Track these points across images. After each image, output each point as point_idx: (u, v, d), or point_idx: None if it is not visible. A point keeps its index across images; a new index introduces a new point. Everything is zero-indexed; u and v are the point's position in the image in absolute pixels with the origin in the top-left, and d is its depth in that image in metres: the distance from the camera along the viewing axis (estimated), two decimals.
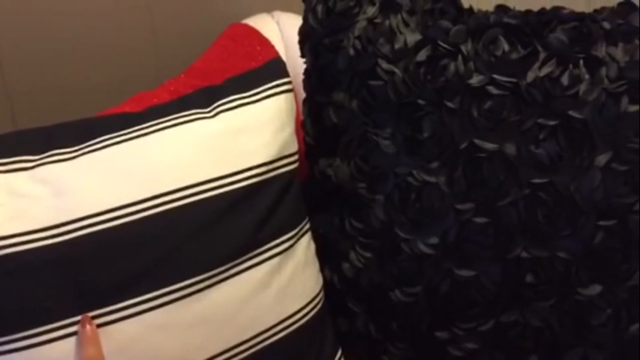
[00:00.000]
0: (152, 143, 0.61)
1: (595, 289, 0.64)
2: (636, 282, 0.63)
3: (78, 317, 0.55)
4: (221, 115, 0.64)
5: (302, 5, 0.77)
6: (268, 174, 0.64)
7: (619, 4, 0.70)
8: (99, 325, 0.55)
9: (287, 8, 0.93)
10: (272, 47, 0.92)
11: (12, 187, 0.56)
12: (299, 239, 0.67)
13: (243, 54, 0.91)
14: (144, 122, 0.62)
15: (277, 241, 0.64)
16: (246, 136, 0.63)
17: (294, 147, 0.69)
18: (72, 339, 0.54)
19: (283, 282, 0.64)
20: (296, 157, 0.69)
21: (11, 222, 0.55)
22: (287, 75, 0.70)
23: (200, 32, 0.96)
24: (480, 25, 0.68)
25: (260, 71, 0.70)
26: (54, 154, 0.59)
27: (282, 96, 0.68)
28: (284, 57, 0.90)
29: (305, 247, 0.68)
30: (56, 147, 0.60)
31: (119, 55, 0.95)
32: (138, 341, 0.56)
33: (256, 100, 0.66)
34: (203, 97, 0.66)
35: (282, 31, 0.93)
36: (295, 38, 0.81)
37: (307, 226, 0.69)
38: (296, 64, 0.80)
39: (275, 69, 0.70)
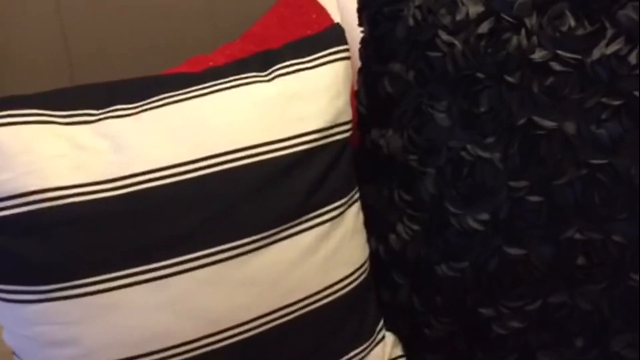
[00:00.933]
0: (209, 104, 0.62)
1: None
2: None
3: (133, 269, 0.56)
4: (278, 79, 0.65)
5: None
6: (322, 141, 0.65)
7: None
8: (152, 279, 0.57)
9: None
10: (329, 15, 0.92)
11: (75, 139, 0.58)
12: (348, 207, 0.67)
13: (299, 22, 0.92)
14: (202, 83, 0.63)
15: (328, 208, 0.65)
16: (302, 102, 0.64)
17: (348, 115, 0.69)
18: (125, 290, 0.56)
19: (330, 249, 0.65)
20: (350, 125, 0.69)
21: (74, 173, 0.57)
22: (345, 42, 0.70)
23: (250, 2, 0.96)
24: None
25: (318, 37, 0.70)
26: (116, 109, 0.61)
27: (340, 63, 0.68)
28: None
29: (354, 215, 0.68)
30: (118, 103, 0.61)
31: (175, 19, 0.96)
32: (188, 296, 0.58)
33: (313, 66, 0.66)
34: (260, 61, 0.66)
35: (339, 1, 0.93)
36: (352, 7, 0.80)
37: (357, 195, 0.70)
38: (352, 34, 0.79)
39: (334, 35, 0.70)
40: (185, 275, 0.57)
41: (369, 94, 0.75)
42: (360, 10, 0.76)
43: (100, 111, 0.61)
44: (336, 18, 0.91)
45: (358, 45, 0.77)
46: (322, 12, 0.94)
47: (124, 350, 0.57)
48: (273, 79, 0.65)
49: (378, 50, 0.73)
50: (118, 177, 0.58)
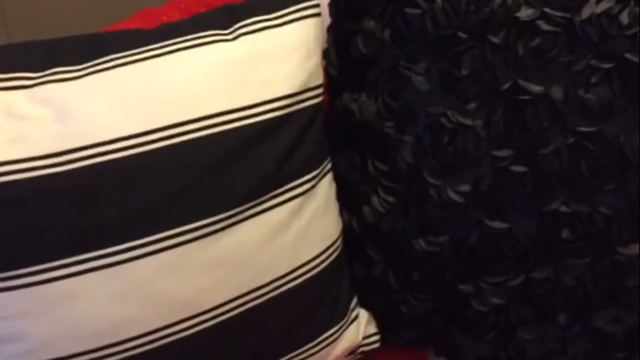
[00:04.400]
0: (165, 66, 0.58)
1: (635, 248, 0.62)
2: None
3: (84, 256, 0.53)
4: (242, 38, 0.61)
5: None
6: (292, 107, 0.62)
7: None
8: (106, 266, 0.53)
9: None
10: None
11: (11, 107, 0.54)
12: (320, 179, 0.65)
13: None
14: (156, 42, 0.59)
15: (299, 181, 0.62)
16: (269, 63, 0.61)
17: (320, 78, 0.66)
18: (76, 279, 0.53)
19: (302, 225, 0.62)
20: (321, 89, 0.66)
21: (10, 146, 0.52)
22: None
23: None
24: None
25: None
26: (57, 72, 0.56)
27: (310, 20, 0.64)
28: None
29: (326, 188, 0.66)
30: (59, 65, 0.56)
31: None
32: (149, 282, 0.55)
33: (282, 24, 0.62)
34: (223, 17, 0.62)
35: None
36: None
37: (329, 166, 0.67)
38: None
39: None
40: (143, 260, 0.54)
41: (340, 54, 0.72)
42: None
43: (38, 74, 0.56)
44: None
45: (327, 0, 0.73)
46: None
47: (77, 345, 0.54)
48: (237, 37, 0.61)
49: (350, 6, 0.70)
50: (63, 150, 0.53)
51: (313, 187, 0.64)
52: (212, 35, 0.60)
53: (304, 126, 0.63)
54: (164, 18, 0.76)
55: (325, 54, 0.73)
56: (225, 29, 0.61)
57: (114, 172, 0.54)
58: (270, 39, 0.61)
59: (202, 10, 0.78)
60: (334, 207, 0.68)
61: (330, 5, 0.72)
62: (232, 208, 0.58)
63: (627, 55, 0.61)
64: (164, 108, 0.56)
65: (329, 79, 0.73)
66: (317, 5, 0.66)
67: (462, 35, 0.64)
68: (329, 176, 0.67)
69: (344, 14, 0.71)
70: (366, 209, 0.70)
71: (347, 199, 0.71)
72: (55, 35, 0.63)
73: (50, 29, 0.68)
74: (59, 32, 0.64)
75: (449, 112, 0.64)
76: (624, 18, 0.61)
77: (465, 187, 0.65)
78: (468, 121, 0.64)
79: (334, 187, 0.68)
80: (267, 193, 0.60)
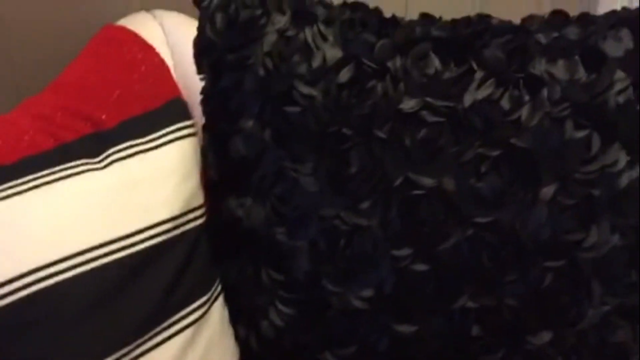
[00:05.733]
0: (30, 203, 0.53)
1: (546, 336, 0.62)
2: (585, 326, 0.62)
3: None
4: (114, 165, 0.57)
5: (189, 3, 0.69)
6: (173, 232, 0.58)
7: (551, 13, 0.68)
8: None
9: (172, 5, 0.84)
10: (157, 54, 0.84)
11: None
12: (212, 303, 0.61)
13: (121, 63, 0.82)
14: (18, 178, 0.53)
15: (188, 309, 0.58)
16: (145, 189, 0.57)
17: (200, 198, 0.62)
18: None
19: (198, 356, 0.58)
20: (204, 209, 0.62)
21: None
22: (189, 117, 0.64)
23: (65, 37, 0.85)
24: (407, 39, 0.64)
25: (158, 113, 0.64)
26: None
27: (186, 141, 0.62)
28: (170, 67, 0.81)
29: (219, 312, 0.62)
30: None
31: None
32: None
33: (156, 147, 0.60)
34: (91, 144, 0.59)
35: (167, 35, 0.84)
36: (184, 44, 0.73)
37: (220, 288, 0.62)
38: (187, 76, 0.72)
39: (175, 109, 0.64)
40: None
41: (219, 156, 0.68)
42: (198, 57, 0.68)
43: None
44: (166, 56, 0.82)
45: (198, 95, 0.69)
46: (149, 50, 0.85)
47: None
48: (108, 165, 0.57)
49: (225, 105, 0.66)
50: None
51: (205, 313, 0.59)
52: (79, 165, 0.56)
53: (188, 250, 0.59)
54: (13, 129, 0.69)
55: (203, 154, 0.69)
56: (95, 156, 0.57)
57: None
58: (143, 163, 0.58)
59: (58, 114, 0.72)
60: (228, 332, 0.64)
61: (203, 103, 0.68)
62: (118, 350, 0.53)
63: (512, 140, 0.61)
64: (29, 251, 0.51)
65: (210, 183, 0.69)
66: (192, 125, 0.63)
67: (346, 131, 0.62)
68: (221, 299, 0.63)
69: (218, 113, 0.67)
70: (264, 324, 0.65)
71: (240, 313, 0.66)
72: None
73: None
74: None
75: (342, 214, 0.62)
76: (505, 103, 0.62)
77: (368, 292, 0.62)
78: (363, 221, 0.62)
79: (227, 310, 0.64)
80: (156, 327, 0.56)
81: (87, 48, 0.83)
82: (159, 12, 0.85)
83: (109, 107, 0.77)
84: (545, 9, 0.70)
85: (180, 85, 0.73)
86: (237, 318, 0.66)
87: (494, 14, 0.69)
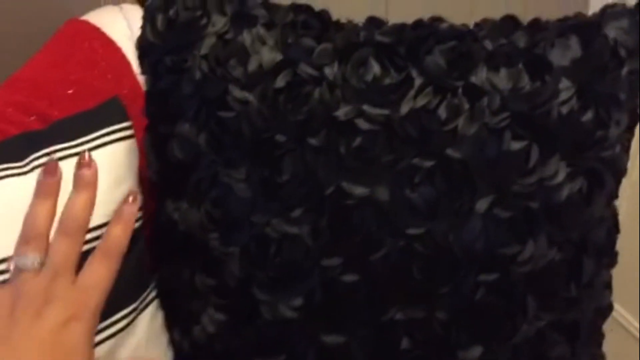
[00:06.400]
0: None
1: (477, 350, 0.61)
2: (519, 341, 0.61)
3: None
4: (37, 171, 0.55)
5: None
6: (97, 242, 0.56)
7: (502, 19, 0.66)
8: None
9: None
10: (118, 50, 0.84)
11: None
12: (140, 312, 0.60)
13: (81, 58, 0.82)
14: None
15: (111, 320, 0.57)
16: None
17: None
18: None
19: None
20: (140, 214, 0.61)
21: None
22: (126, 119, 0.62)
23: (32, 30, 0.85)
24: (349, 44, 0.63)
25: (92, 114, 0.62)
26: None
27: (119, 145, 0.60)
28: (133, 63, 0.81)
29: (148, 321, 0.61)
30: None
31: None
32: None
33: (84, 151, 0.57)
34: (16, 147, 0.57)
35: (132, 29, 0.84)
36: None
37: (153, 294, 0.62)
38: None
39: (111, 110, 0.62)
40: None
41: (159, 158, 0.67)
42: (140, 58, 0.68)
43: None
44: (129, 52, 0.82)
45: None
46: (110, 45, 0.84)
47: None
48: (33, 169, 0.55)
49: (163, 107, 0.66)
50: None
51: (129, 324, 0.59)
52: (3, 170, 0.55)
53: None
54: None
55: (145, 156, 0.69)
56: (20, 160, 0.56)
57: None
58: (71, 168, 0.56)
59: (10, 110, 0.72)
60: (158, 339, 0.63)
61: (145, 104, 0.68)
62: None
63: (448, 151, 0.60)
64: None
65: (150, 184, 0.68)
66: (128, 128, 0.62)
67: (280, 138, 0.61)
68: (152, 306, 0.62)
69: (158, 115, 0.67)
70: (197, 329, 0.65)
71: (176, 317, 0.66)
72: None
73: None
74: None
75: (273, 221, 0.61)
76: (442, 112, 0.60)
77: (298, 301, 0.61)
78: (294, 230, 0.61)
79: (159, 316, 0.63)
80: None
81: (48, 43, 0.83)
82: (127, 6, 0.85)
83: (62, 104, 0.77)
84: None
85: (142, 82, 0.72)
86: (173, 322, 0.66)
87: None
